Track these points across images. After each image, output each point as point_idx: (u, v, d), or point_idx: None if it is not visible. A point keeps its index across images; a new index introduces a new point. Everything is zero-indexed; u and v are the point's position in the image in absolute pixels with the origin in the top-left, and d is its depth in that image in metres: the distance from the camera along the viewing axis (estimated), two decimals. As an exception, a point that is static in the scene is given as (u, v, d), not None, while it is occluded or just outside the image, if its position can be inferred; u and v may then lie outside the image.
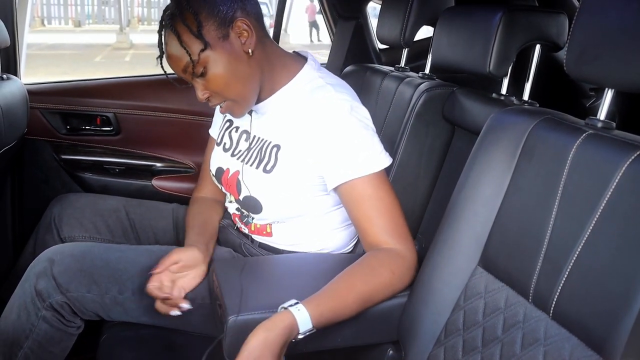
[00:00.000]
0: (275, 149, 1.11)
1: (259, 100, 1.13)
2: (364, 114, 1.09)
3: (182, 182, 1.91)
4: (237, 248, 1.22)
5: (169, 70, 1.07)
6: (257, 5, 1.09)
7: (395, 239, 1.01)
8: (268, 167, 1.11)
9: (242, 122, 1.22)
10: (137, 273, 1.10)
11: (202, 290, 1.09)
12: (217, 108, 1.35)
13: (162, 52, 1.06)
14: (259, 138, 1.16)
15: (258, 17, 1.08)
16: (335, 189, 1.06)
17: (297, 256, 1.16)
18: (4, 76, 1.54)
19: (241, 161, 1.17)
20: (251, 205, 1.14)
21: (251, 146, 1.17)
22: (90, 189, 1.85)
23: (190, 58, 1.01)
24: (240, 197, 1.16)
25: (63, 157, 1.87)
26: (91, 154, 1.90)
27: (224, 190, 1.24)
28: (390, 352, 1.04)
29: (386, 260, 0.99)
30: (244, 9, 1.04)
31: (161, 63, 1.07)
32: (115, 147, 1.91)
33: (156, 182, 1.90)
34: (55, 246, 1.14)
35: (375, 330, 1.02)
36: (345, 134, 1.04)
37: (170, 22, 1.02)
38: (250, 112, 1.19)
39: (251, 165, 1.14)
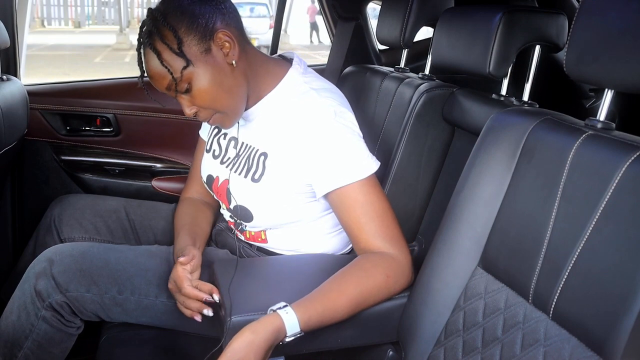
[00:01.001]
0: (262, 157, 1.10)
1: (245, 108, 1.12)
2: (349, 118, 1.07)
3: (182, 183, 1.89)
4: (235, 251, 1.22)
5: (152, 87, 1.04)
6: (236, 13, 1.06)
7: (388, 242, 1.00)
8: (256, 176, 1.10)
9: (230, 129, 1.21)
10: (136, 273, 1.10)
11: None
12: None
13: (142, 71, 1.03)
14: (247, 145, 1.15)
15: (238, 25, 1.05)
16: (325, 196, 1.05)
17: (297, 257, 1.16)
18: (4, 77, 1.54)
19: (230, 169, 1.16)
20: (242, 214, 1.13)
21: (239, 153, 1.16)
22: (90, 190, 1.85)
23: (173, 77, 0.99)
24: (231, 206, 1.15)
25: (63, 158, 1.87)
26: (91, 155, 1.90)
27: (215, 197, 1.23)
28: (390, 352, 1.04)
29: (380, 263, 0.98)
30: (223, 19, 1.02)
31: (142, 81, 1.05)
32: (115, 148, 1.91)
33: (156, 183, 1.90)
34: (54, 246, 1.14)
35: (375, 331, 1.02)
36: (330, 140, 1.02)
37: (149, 40, 0.99)
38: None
39: (240, 174, 1.13)
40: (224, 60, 1.02)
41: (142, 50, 1.02)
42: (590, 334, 0.70)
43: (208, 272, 1.10)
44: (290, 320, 0.88)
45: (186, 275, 1.02)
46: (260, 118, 1.13)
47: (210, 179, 1.22)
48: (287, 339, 0.89)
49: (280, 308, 0.89)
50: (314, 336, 0.94)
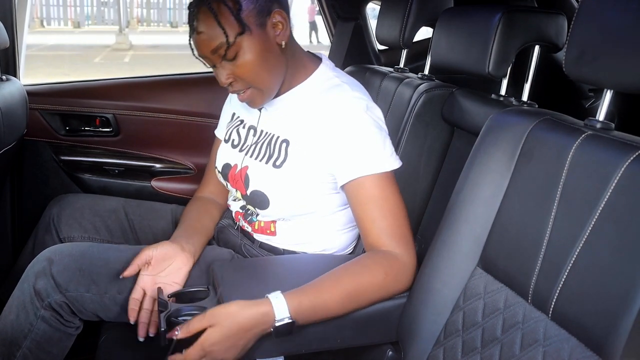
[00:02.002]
0: (284, 144, 1.12)
1: (275, 96, 1.14)
2: (378, 114, 1.10)
3: (181, 183, 1.91)
4: (237, 249, 1.22)
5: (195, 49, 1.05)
6: (288, 3, 1.10)
7: (395, 241, 1.01)
8: (278, 162, 1.11)
9: (250, 118, 1.23)
10: (137, 273, 1.10)
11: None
12: (227, 104, 1.36)
13: (192, 30, 1.04)
14: (266, 132, 1.17)
15: (288, 13, 1.09)
16: (343, 187, 1.06)
17: (297, 257, 1.16)
18: (4, 77, 1.54)
19: (249, 156, 1.18)
20: (258, 201, 1.14)
21: (258, 140, 1.18)
22: (89, 190, 1.85)
23: (227, 40, 1.00)
24: (248, 192, 1.16)
25: (62, 158, 1.86)
26: (90, 155, 1.90)
27: (229, 186, 1.23)
28: (390, 352, 1.04)
29: (381, 260, 0.99)
30: (280, 3, 1.06)
31: (190, 41, 1.05)
32: (114, 148, 1.91)
33: (155, 183, 1.90)
34: (53, 246, 1.14)
35: (374, 331, 1.02)
36: (359, 131, 1.05)
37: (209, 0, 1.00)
38: (259, 109, 1.19)
39: (260, 161, 1.15)
40: (274, 39, 1.05)
41: (195, 9, 1.02)
42: (590, 333, 0.70)
43: (207, 271, 1.11)
44: (278, 305, 0.89)
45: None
46: (285, 107, 1.15)
47: (226, 167, 1.22)
48: (277, 324, 0.89)
49: (271, 295, 0.91)
50: (314, 336, 0.94)
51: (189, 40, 1.05)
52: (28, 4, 1.81)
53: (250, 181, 1.15)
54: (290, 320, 0.90)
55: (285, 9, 1.07)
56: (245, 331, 0.88)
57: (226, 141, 1.27)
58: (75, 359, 1.19)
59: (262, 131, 1.18)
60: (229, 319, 0.87)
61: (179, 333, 0.89)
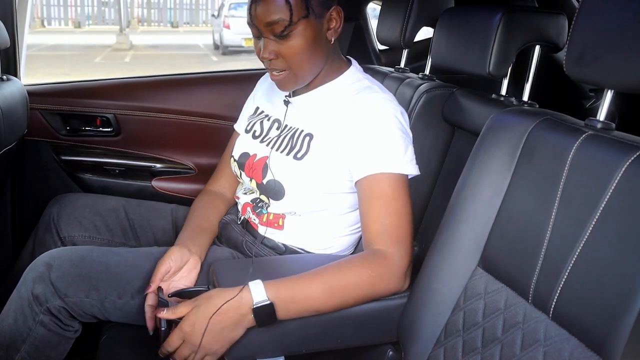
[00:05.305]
0: (308, 137, 1.13)
1: (303, 91, 1.16)
2: (406, 120, 1.12)
3: (182, 183, 1.91)
4: (238, 246, 1.22)
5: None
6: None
7: (389, 241, 1.01)
8: (299, 155, 1.13)
9: (276, 112, 1.24)
10: (137, 277, 1.10)
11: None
12: (251, 99, 1.37)
13: None
14: (290, 127, 1.18)
15: (344, 13, 1.13)
16: (358, 182, 1.07)
17: (297, 257, 1.16)
18: (4, 77, 1.54)
19: (270, 147, 1.18)
20: (273, 191, 1.14)
21: (281, 133, 1.19)
22: (90, 190, 1.85)
23: (290, 18, 1.02)
24: (264, 181, 1.16)
25: (63, 158, 1.86)
26: (91, 155, 1.90)
27: (243, 176, 1.23)
28: (390, 352, 1.04)
29: (367, 257, 1.00)
30: (339, 3, 1.09)
31: (249, 8, 1.05)
32: (115, 148, 1.91)
33: (156, 183, 1.89)
34: (52, 250, 1.13)
35: (375, 331, 1.02)
36: (385, 131, 1.06)
37: None
38: (286, 104, 1.21)
39: (282, 152, 1.16)
40: (325, 33, 1.09)
41: None
42: (590, 334, 0.70)
43: (207, 271, 1.11)
44: (255, 287, 0.92)
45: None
46: (311, 103, 1.17)
47: (244, 156, 1.23)
48: (255, 306, 0.90)
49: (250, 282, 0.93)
50: (314, 336, 0.94)
51: (249, 6, 1.05)
52: (29, 3, 1.81)
53: (268, 170, 1.15)
54: (268, 302, 0.91)
55: (343, 8, 1.10)
56: (221, 314, 0.90)
57: (247, 132, 1.27)
58: (76, 359, 1.19)
59: (286, 125, 1.19)
60: (206, 301, 0.92)
61: (165, 312, 0.94)
